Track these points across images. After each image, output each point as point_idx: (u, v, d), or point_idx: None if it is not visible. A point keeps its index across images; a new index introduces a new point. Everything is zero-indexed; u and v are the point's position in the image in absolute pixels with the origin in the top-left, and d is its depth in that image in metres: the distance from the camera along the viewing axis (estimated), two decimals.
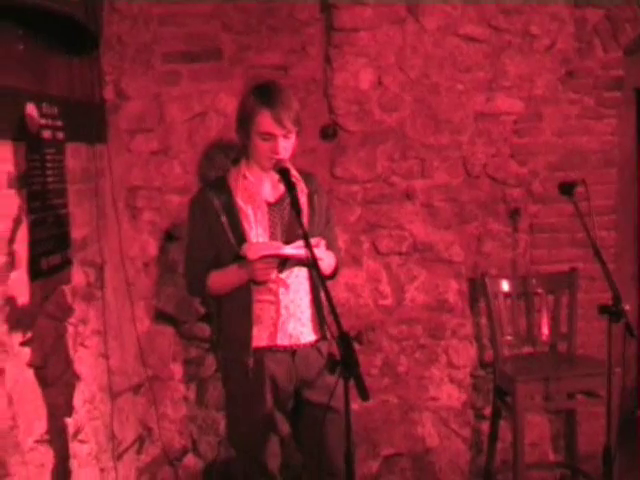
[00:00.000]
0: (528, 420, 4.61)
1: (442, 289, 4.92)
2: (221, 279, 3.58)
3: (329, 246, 3.56)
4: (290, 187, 3.30)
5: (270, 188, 3.59)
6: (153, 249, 4.83)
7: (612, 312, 3.65)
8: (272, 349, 3.54)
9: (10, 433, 3.12)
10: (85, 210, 4.27)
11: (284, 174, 3.35)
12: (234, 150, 4.61)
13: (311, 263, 3.07)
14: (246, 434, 3.64)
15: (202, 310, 4.84)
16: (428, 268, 4.90)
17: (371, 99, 4.76)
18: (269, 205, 3.56)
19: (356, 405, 4.47)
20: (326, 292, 2.91)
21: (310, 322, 3.60)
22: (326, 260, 3.49)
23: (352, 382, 2.61)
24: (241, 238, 3.50)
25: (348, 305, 4.81)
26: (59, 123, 3.82)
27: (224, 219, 3.51)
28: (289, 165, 3.43)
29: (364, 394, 2.53)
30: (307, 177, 3.67)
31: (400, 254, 4.87)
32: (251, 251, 3.36)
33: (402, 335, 4.92)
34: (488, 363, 4.95)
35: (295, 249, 3.34)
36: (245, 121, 3.50)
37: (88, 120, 4.46)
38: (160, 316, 4.87)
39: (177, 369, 4.90)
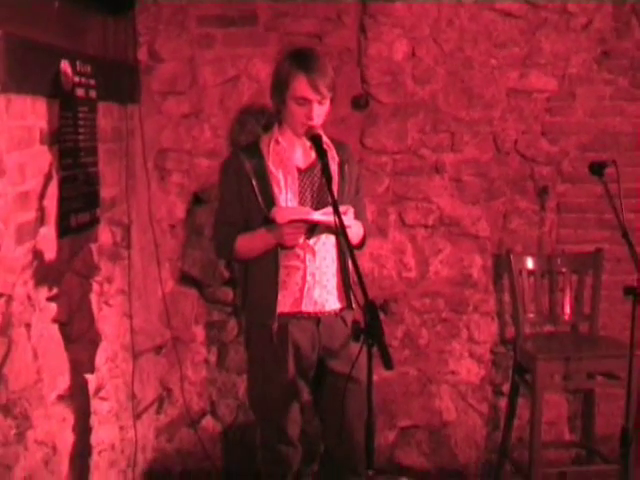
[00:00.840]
0: (546, 399, 4.60)
1: (466, 264, 4.92)
2: (249, 242, 3.59)
3: (358, 216, 3.56)
4: (322, 154, 3.30)
5: (302, 154, 3.59)
6: (180, 211, 4.85)
7: (637, 293, 3.63)
8: (297, 316, 3.56)
9: (34, 387, 3.16)
10: (115, 170, 4.30)
11: (316, 141, 3.35)
12: (265, 116, 4.65)
13: (339, 231, 3.05)
14: (267, 399, 3.66)
15: (227, 274, 4.86)
16: (453, 242, 4.90)
17: (404, 71, 4.75)
18: (300, 171, 3.57)
19: (375, 376, 4.44)
20: (353, 261, 2.91)
21: (336, 290, 3.61)
22: (354, 229, 3.50)
23: (376, 351, 2.62)
24: (271, 202, 3.51)
25: (372, 275, 4.81)
26: (92, 82, 3.84)
27: (255, 182, 3.53)
28: (321, 132, 3.43)
29: (388, 363, 2.52)
30: (340, 146, 3.67)
31: (426, 227, 4.87)
32: (280, 215, 3.37)
33: (424, 308, 4.93)
34: (509, 340, 4.95)
35: (324, 216, 3.35)
36: (280, 85, 3.50)
37: (121, 80, 4.48)
38: (185, 278, 4.90)
39: (199, 332, 4.94)
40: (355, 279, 2.95)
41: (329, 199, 3.18)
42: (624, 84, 4.79)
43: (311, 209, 3.45)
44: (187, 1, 4.67)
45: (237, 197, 3.60)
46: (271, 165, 3.55)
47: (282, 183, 3.53)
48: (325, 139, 3.47)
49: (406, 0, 4.69)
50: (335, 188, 3.39)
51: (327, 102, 3.50)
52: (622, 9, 4.72)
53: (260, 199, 3.52)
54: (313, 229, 3.45)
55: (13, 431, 2.96)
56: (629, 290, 3.67)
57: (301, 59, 3.48)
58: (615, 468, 4.39)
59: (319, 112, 3.47)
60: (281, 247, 3.48)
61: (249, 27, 4.70)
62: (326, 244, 3.55)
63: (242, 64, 4.73)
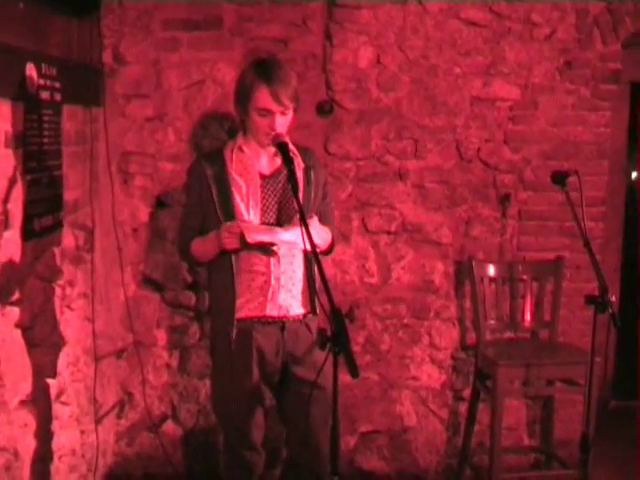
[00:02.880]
0: (506, 404, 4.64)
1: (428, 270, 4.94)
2: (201, 246, 3.63)
3: (325, 221, 3.59)
4: (288, 161, 3.31)
5: (266, 161, 3.61)
6: (143, 215, 4.83)
7: (598, 303, 3.68)
8: (261, 320, 3.56)
9: None
10: (78, 173, 4.28)
11: (282, 148, 3.36)
12: (229, 120, 4.65)
13: (307, 242, 3.05)
14: (231, 405, 3.67)
15: (189, 278, 4.85)
16: (415, 248, 4.92)
17: (369, 77, 4.76)
18: (263, 178, 3.58)
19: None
20: (320, 269, 2.92)
21: (301, 295, 3.62)
22: (322, 234, 3.54)
23: (341, 358, 2.63)
24: (230, 209, 3.52)
25: (334, 281, 4.82)
26: (57, 84, 3.82)
27: (214, 189, 3.55)
28: (287, 140, 3.44)
29: (354, 371, 2.54)
30: (305, 152, 3.69)
31: (389, 233, 4.89)
32: (248, 235, 3.38)
33: (386, 314, 4.94)
34: (469, 346, 4.99)
35: (290, 233, 3.37)
36: (243, 96, 3.52)
37: (85, 82, 4.45)
38: (147, 282, 4.88)
39: (161, 335, 4.92)
40: (320, 285, 2.96)
41: (294, 205, 3.19)
42: (586, 94, 4.84)
43: (277, 228, 3.46)
44: (153, 4, 4.65)
45: (198, 202, 3.64)
46: (233, 172, 3.56)
47: (244, 190, 3.54)
48: (291, 146, 3.48)
49: (372, 7, 4.70)
50: (301, 195, 3.40)
51: (290, 112, 3.52)
52: (585, 20, 4.77)
53: (217, 206, 3.54)
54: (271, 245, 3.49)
55: None
56: (591, 299, 3.70)
57: (263, 70, 3.49)
58: (573, 473, 4.47)
59: (282, 122, 3.49)
60: (235, 251, 3.48)
61: (214, 31, 4.69)
62: (292, 249, 3.55)
63: (207, 68, 4.72)
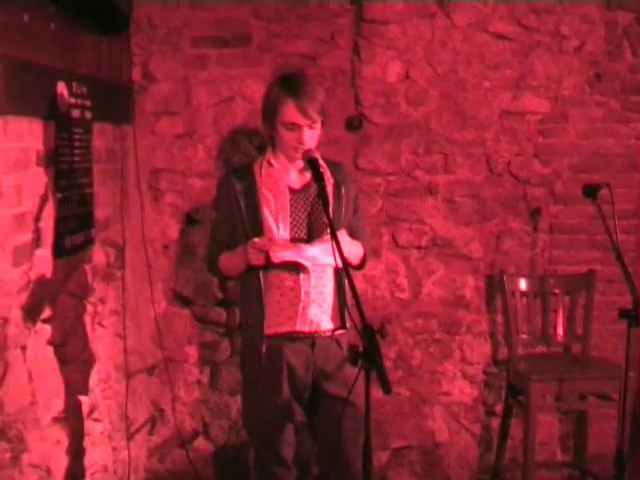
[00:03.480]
0: (539, 419, 4.60)
1: (459, 285, 4.92)
2: (229, 260, 3.62)
3: (356, 235, 3.57)
4: (318, 177, 3.30)
5: (296, 175, 3.60)
6: (173, 232, 4.85)
7: (632, 316, 3.64)
8: (291, 336, 3.54)
9: (30, 409, 3.14)
10: (109, 190, 4.30)
11: (312, 164, 3.35)
12: (259, 137, 4.66)
13: (337, 256, 3.03)
14: (262, 421, 3.65)
15: (220, 295, 4.86)
16: (446, 263, 4.91)
17: (398, 92, 4.76)
18: (293, 192, 3.57)
19: None
20: (351, 284, 2.89)
21: (331, 310, 3.59)
22: (354, 249, 3.52)
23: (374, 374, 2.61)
24: (258, 224, 3.51)
25: (365, 296, 4.80)
26: (88, 102, 3.84)
27: (243, 204, 3.54)
28: (317, 155, 3.44)
29: (387, 387, 2.52)
30: (335, 166, 3.67)
31: (419, 248, 4.88)
32: (274, 254, 3.38)
33: (417, 329, 4.93)
34: (501, 360, 4.96)
35: (319, 248, 3.36)
36: (270, 111, 3.52)
37: (115, 100, 4.48)
38: (177, 298, 4.89)
39: (192, 352, 4.93)
40: (351, 300, 2.95)
41: (324, 220, 3.18)
42: (616, 106, 4.81)
43: (304, 245, 3.45)
44: (181, 22, 4.68)
45: (227, 217, 3.64)
46: (262, 187, 3.55)
47: (273, 204, 3.53)
48: (321, 162, 3.48)
49: (400, 22, 4.70)
50: (331, 210, 3.40)
51: (318, 126, 3.51)
52: (614, 32, 4.75)
53: (246, 220, 3.54)
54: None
55: (8, 454, 2.94)
56: (624, 313, 3.67)
57: (289, 84, 3.49)
58: None
59: (310, 136, 3.48)
60: (264, 268, 3.47)
61: (243, 48, 4.71)
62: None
63: (236, 85, 4.74)
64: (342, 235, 3.40)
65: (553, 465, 5.05)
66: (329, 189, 3.52)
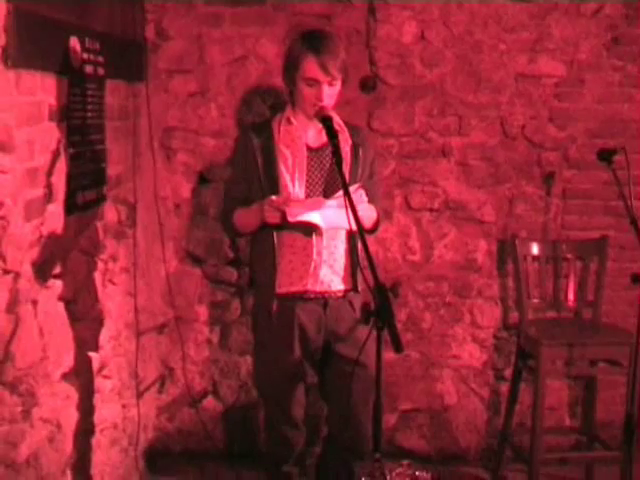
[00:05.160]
0: (547, 384, 4.59)
1: (471, 248, 4.91)
2: (244, 217, 3.60)
3: (371, 200, 3.52)
4: (331, 135, 3.26)
5: (314, 134, 3.57)
6: (185, 191, 4.84)
7: None
8: (303, 296, 3.54)
9: (40, 364, 3.15)
10: (121, 148, 4.27)
11: (326, 122, 3.32)
12: (272, 96, 4.63)
13: (352, 215, 3.00)
14: (273, 381, 3.67)
15: (231, 254, 4.86)
16: (458, 226, 4.89)
17: (413, 53, 4.73)
18: (310, 150, 3.55)
19: None
20: (364, 244, 2.87)
21: (343, 271, 3.59)
22: (367, 212, 3.47)
23: (385, 334, 2.61)
24: (274, 180, 3.50)
25: (377, 258, 4.77)
26: (100, 59, 3.80)
27: (260, 160, 3.53)
28: (332, 113, 3.42)
29: (398, 346, 2.50)
30: (354, 129, 3.66)
31: (431, 210, 4.86)
32: (291, 212, 3.34)
33: (428, 291, 4.92)
34: (511, 325, 4.96)
35: (338, 202, 3.31)
36: (291, 66, 3.49)
37: (128, 58, 4.45)
38: (188, 257, 4.89)
39: (202, 311, 4.94)
40: (363, 262, 2.94)
41: (339, 180, 3.16)
42: (633, 71, 4.77)
43: (323, 199, 3.41)
44: None
45: (243, 173, 3.62)
46: (280, 143, 3.54)
47: (290, 162, 3.51)
48: (337, 120, 3.46)
49: None
50: (347, 170, 3.38)
51: (338, 83, 3.48)
52: None
53: (262, 176, 3.52)
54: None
55: (19, 408, 2.95)
56: (637, 278, 3.66)
57: (312, 40, 3.46)
58: (615, 455, 4.41)
59: (329, 93, 3.45)
60: (277, 227, 3.46)
61: (257, 6, 4.67)
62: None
63: (250, 44, 4.70)
64: (358, 192, 3.37)
65: (561, 430, 5.06)
66: (346, 149, 3.51)
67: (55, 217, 3.30)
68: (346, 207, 2.96)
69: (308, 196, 3.49)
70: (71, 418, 3.53)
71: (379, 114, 4.76)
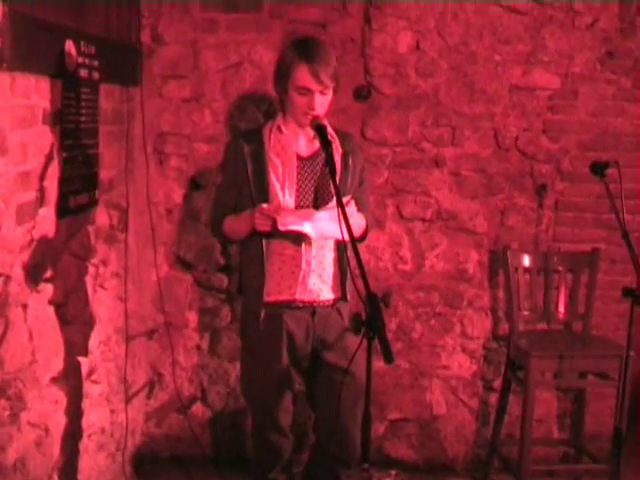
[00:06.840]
0: (536, 396, 4.59)
1: (462, 258, 4.91)
2: (233, 224, 3.60)
3: (360, 207, 3.53)
4: (326, 145, 3.27)
5: (305, 143, 3.58)
6: (177, 196, 4.83)
7: (636, 295, 3.63)
8: (291, 305, 3.54)
9: (29, 368, 3.14)
10: (114, 152, 4.27)
11: (321, 131, 3.32)
12: (266, 103, 4.63)
13: (343, 226, 2.99)
14: (260, 388, 3.67)
15: (221, 261, 4.85)
16: (450, 237, 4.89)
17: (408, 63, 4.73)
18: (301, 159, 3.55)
19: None
20: (356, 253, 2.87)
21: (331, 280, 3.60)
22: (356, 220, 3.45)
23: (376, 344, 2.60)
24: (264, 189, 3.50)
25: (368, 267, 4.69)
26: (95, 63, 3.80)
27: (250, 167, 3.52)
28: (326, 122, 3.41)
29: (389, 356, 2.51)
30: (344, 136, 3.65)
31: (423, 220, 4.86)
32: (281, 222, 3.34)
33: (419, 301, 4.92)
34: (501, 336, 4.95)
35: (328, 214, 3.32)
36: (283, 74, 3.48)
37: (123, 62, 4.45)
38: (179, 263, 4.88)
39: (192, 317, 4.93)
40: (354, 271, 2.93)
41: (330, 189, 3.16)
42: (627, 85, 4.78)
43: (314, 211, 3.42)
44: None
45: (233, 180, 3.61)
46: (270, 152, 3.53)
47: (280, 171, 3.51)
48: (330, 130, 3.45)
49: None
50: (337, 179, 3.38)
51: (330, 92, 3.48)
52: (628, 9, 4.70)
53: (252, 184, 3.52)
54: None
55: (7, 412, 2.95)
56: (628, 292, 3.66)
57: (304, 48, 3.46)
58: (603, 468, 4.42)
59: (321, 102, 3.45)
60: (266, 235, 3.46)
61: (253, 13, 4.67)
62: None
63: (245, 50, 4.70)
64: (351, 205, 3.38)
65: (549, 442, 5.05)
66: (337, 158, 3.51)
67: (47, 221, 3.30)
68: (339, 219, 2.95)
69: (298, 205, 3.49)
70: (59, 422, 3.52)
71: (373, 123, 4.76)
